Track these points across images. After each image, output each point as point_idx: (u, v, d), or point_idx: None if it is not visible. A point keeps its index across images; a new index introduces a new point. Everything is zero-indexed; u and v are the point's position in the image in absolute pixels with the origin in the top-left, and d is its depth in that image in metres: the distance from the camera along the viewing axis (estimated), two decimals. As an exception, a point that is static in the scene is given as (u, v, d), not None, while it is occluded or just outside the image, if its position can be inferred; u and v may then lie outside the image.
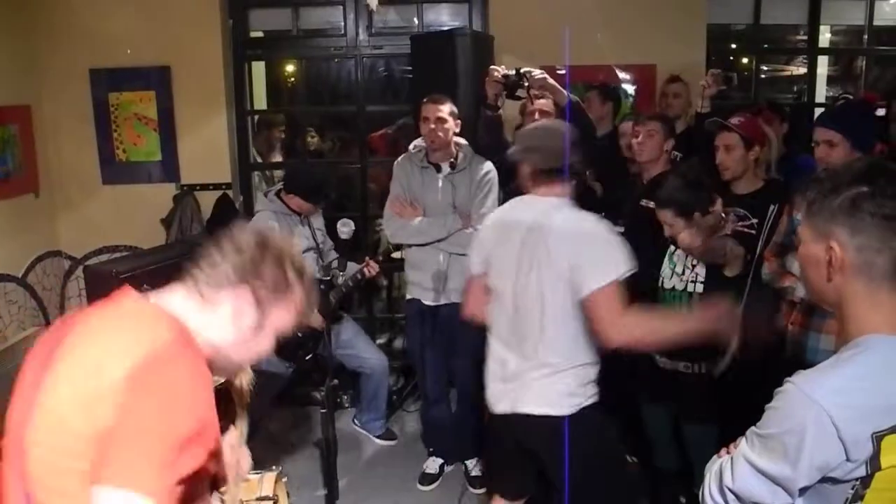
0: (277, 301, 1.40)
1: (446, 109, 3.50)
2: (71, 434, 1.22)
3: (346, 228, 2.86)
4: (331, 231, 3.85)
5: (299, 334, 3.74)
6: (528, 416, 2.42)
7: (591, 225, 2.39)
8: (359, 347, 4.08)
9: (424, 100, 3.55)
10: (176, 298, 1.38)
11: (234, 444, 1.77)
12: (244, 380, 1.85)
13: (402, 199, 3.62)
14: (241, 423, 1.84)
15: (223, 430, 1.79)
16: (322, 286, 3.75)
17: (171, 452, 1.19)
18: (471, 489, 3.79)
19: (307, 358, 3.74)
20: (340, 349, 3.96)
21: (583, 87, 4.34)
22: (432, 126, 3.48)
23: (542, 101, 3.56)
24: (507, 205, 2.66)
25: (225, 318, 1.37)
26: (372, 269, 3.72)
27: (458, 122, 3.54)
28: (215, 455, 1.37)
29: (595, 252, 2.31)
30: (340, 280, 3.52)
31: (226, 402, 1.93)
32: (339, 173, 5.56)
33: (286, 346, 3.79)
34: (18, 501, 1.30)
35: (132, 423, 1.17)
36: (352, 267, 3.74)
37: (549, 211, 2.40)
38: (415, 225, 3.56)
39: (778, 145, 3.69)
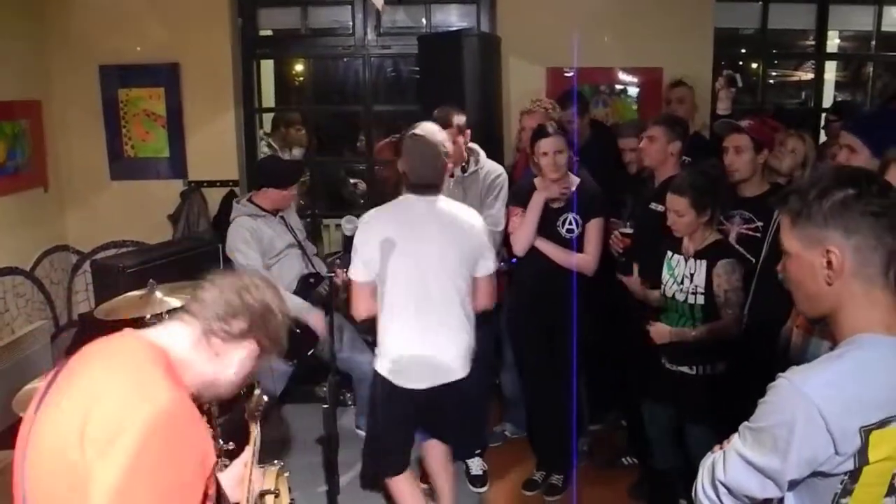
0: (271, 353, 1.58)
1: (451, 134, 3.39)
2: (65, 463, 1.26)
3: (350, 226, 2.86)
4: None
5: (297, 331, 3.72)
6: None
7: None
8: (352, 350, 4.04)
9: (435, 113, 3.46)
10: (179, 340, 1.46)
11: (248, 462, 1.84)
12: (254, 400, 1.97)
13: None
14: (254, 441, 1.92)
15: (238, 452, 1.92)
16: (311, 280, 3.75)
17: (178, 497, 1.28)
18: (472, 488, 3.81)
19: (308, 354, 3.75)
20: (346, 362, 3.96)
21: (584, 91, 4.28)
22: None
23: (534, 116, 3.74)
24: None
25: (229, 366, 1.50)
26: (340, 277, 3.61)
27: (469, 130, 3.54)
28: (213, 476, 1.44)
29: None
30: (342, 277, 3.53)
31: (238, 420, 2.03)
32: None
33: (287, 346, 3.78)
34: None
35: (139, 479, 1.23)
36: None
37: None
38: None
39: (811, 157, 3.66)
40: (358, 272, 2.83)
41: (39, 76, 4.65)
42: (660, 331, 2.99)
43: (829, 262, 1.30)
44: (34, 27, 4.59)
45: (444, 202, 2.85)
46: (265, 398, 2.02)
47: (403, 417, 2.95)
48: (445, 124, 3.43)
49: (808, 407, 1.23)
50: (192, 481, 1.30)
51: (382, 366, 2.91)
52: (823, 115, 5.36)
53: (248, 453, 1.89)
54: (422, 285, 2.78)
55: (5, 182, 4.28)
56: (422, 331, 2.82)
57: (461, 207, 2.92)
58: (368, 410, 3.18)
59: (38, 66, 4.64)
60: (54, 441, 1.28)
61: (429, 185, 2.80)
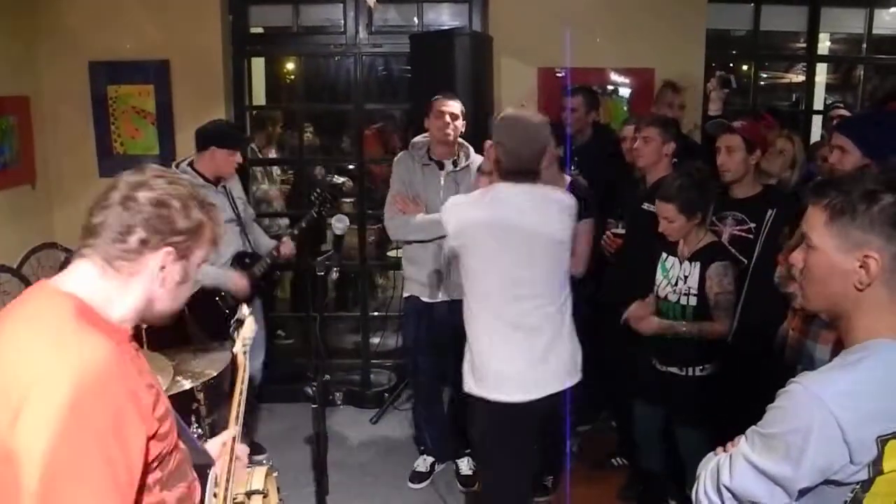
0: (195, 246, 1.40)
1: (458, 107, 3.52)
2: None
3: (340, 224, 2.85)
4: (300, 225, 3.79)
5: (227, 311, 3.59)
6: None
7: None
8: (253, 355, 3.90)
9: (437, 97, 3.55)
10: (87, 279, 1.33)
11: (227, 441, 1.76)
12: (245, 329, 1.92)
13: (404, 195, 3.63)
14: (234, 422, 1.83)
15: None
16: (247, 259, 3.70)
17: (126, 473, 1.19)
18: (461, 488, 3.80)
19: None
20: None
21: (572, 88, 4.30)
22: (447, 120, 3.50)
23: None
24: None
25: (152, 282, 1.36)
26: (286, 247, 3.72)
27: (465, 122, 3.56)
28: (170, 432, 1.37)
29: None
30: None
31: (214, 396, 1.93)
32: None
33: (215, 327, 3.53)
34: None
35: (66, 442, 1.14)
36: (269, 244, 3.81)
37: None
38: (417, 221, 3.56)
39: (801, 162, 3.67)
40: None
41: (28, 72, 4.60)
42: (649, 323, 2.95)
43: (867, 267, 1.27)
44: (24, 22, 4.54)
45: (540, 189, 2.57)
46: (255, 327, 1.97)
47: (520, 444, 2.61)
48: (452, 98, 3.51)
49: (825, 415, 1.20)
50: (126, 429, 1.21)
51: (478, 383, 2.57)
52: (814, 116, 5.41)
53: (227, 434, 1.78)
54: (523, 282, 2.51)
55: (-7, 178, 4.25)
56: (527, 334, 2.53)
57: (556, 193, 2.66)
58: (478, 453, 2.80)
59: (28, 62, 4.59)
60: None
61: (527, 172, 2.51)
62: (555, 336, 2.58)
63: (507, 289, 2.51)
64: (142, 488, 1.26)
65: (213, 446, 1.75)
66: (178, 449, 1.42)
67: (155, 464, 1.31)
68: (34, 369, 1.18)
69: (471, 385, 2.61)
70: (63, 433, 1.13)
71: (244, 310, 1.97)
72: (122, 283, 1.34)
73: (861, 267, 1.27)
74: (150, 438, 1.27)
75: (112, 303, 1.33)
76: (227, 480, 1.64)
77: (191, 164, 3.63)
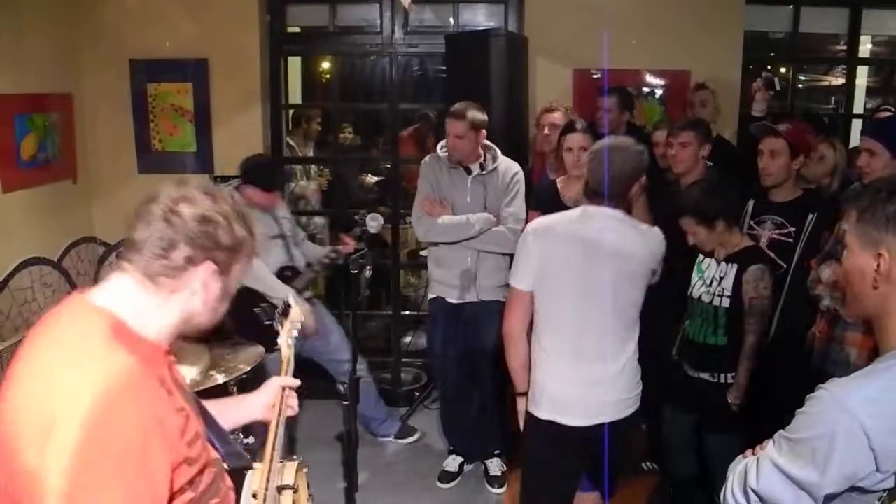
0: (236, 262, 1.40)
1: (462, 127, 3.46)
2: (23, 467, 1.16)
3: (374, 223, 2.88)
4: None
5: (266, 322, 3.55)
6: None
7: None
8: (341, 352, 3.90)
9: (451, 109, 3.54)
10: (125, 294, 1.33)
11: (278, 386, 1.80)
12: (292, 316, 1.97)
13: (432, 197, 3.63)
14: (287, 361, 1.90)
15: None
16: (287, 273, 3.71)
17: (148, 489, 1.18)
18: (490, 489, 3.80)
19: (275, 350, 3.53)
20: (327, 355, 3.93)
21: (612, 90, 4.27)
22: (452, 143, 3.52)
23: (555, 114, 3.74)
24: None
25: (193, 297, 1.36)
26: (348, 246, 3.71)
27: (483, 131, 3.53)
28: (197, 446, 1.35)
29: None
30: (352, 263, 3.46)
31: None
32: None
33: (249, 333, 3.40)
34: None
35: (87, 473, 1.12)
36: (319, 250, 3.83)
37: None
38: (445, 223, 3.57)
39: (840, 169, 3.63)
40: (523, 278, 2.53)
41: (71, 70, 4.70)
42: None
43: (878, 266, 1.27)
44: (67, 22, 4.64)
45: (621, 216, 2.48)
46: (303, 318, 2.03)
47: (566, 465, 2.59)
48: (457, 118, 3.45)
49: (851, 422, 1.20)
50: (151, 453, 1.18)
51: (538, 403, 2.54)
52: (854, 120, 5.31)
53: (273, 384, 1.84)
54: (592, 307, 2.45)
55: (35, 173, 4.34)
56: (590, 360, 2.48)
57: (636, 223, 2.54)
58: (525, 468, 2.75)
59: (70, 61, 4.69)
60: (18, 434, 1.18)
61: (600, 194, 2.45)
62: (617, 364, 2.51)
63: (577, 308, 2.46)
64: None
65: (261, 398, 1.80)
66: (211, 465, 1.39)
67: (186, 486, 1.29)
68: (59, 390, 1.17)
69: (530, 403, 2.58)
70: (82, 450, 1.12)
71: (290, 297, 2.03)
72: (161, 300, 1.33)
73: (877, 266, 1.28)
74: (177, 465, 1.25)
75: (149, 319, 1.33)
76: (272, 459, 1.64)
77: (237, 189, 3.71)
